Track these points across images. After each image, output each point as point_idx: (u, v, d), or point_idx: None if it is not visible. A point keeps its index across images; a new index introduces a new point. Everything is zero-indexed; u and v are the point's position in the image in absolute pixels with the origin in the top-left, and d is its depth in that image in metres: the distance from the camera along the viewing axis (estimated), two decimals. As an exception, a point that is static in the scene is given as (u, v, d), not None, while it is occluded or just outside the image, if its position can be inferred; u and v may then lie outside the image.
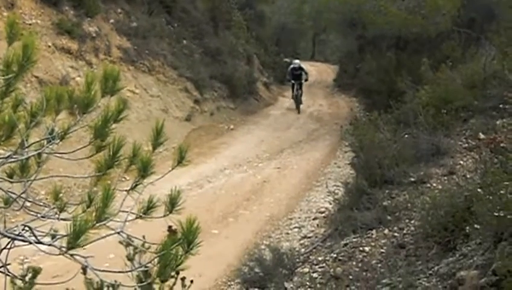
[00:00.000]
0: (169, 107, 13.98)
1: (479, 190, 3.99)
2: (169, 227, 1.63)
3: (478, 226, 3.85)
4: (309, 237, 7.33)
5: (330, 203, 7.80)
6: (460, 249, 4.28)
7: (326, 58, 36.79)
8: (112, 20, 13.80)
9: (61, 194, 1.90)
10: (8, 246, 1.66)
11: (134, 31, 14.29)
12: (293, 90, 19.24)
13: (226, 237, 7.61)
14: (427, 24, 13.93)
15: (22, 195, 1.68)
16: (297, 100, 18.95)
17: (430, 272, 4.34)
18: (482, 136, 7.04)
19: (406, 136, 8.30)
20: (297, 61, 19.97)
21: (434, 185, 6.48)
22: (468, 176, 6.21)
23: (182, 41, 16.58)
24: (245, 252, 6.74)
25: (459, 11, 14.23)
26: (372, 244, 5.57)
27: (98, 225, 1.47)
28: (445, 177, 6.63)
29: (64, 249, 1.42)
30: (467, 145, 7.45)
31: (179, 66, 15.26)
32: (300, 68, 19.23)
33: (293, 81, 19.04)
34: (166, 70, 14.78)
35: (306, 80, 19.33)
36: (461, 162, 7.02)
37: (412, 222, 5.65)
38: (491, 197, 3.53)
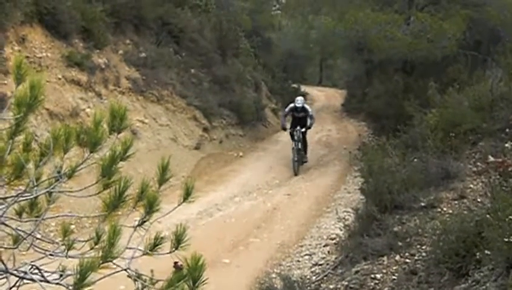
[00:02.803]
0: (178, 136, 14.07)
1: (487, 215, 3.96)
2: (175, 263, 1.65)
3: (489, 252, 3.81)
4: (320, 265, 7.27)
5: (341, 230, 7.76)
6: (472, 275, 4.23)
7: (334, 83, 37.05)
8: (120, 51, 14.01)
9: (72, 226, 1.93)
10: (17, 284, 1.68)
11: (143, 61, 14.49)
12: (293, 139, 13.71)
13: (237, 265, 7.57)
14: (433, 48, 14.01)
15: (31, 234, 1.71)
16: (298, 156, 13.48)
17: (443, 299, 4.29)
18: (491, 159, 7.00)
19: (415, 160, 8.27)
20: (300, 99, 14.10)
21: (444, 209, 6.42)
22: (478, 199, 6.16)
23: (190, 70, 16.77)
24: (256, 281, 6.69)
25: (464, 34, 14.32)
26: (384, 271, 5.52)
27: (104, 264, 1.49)
28: (456, 202, 6.57)
29: (71, 288, 1.44)
30: (476, 168, 7.40)
31: (188, 95, 15.41)
32: (304, 109, 13.76)
33: (290, 129, 13.83)
34: (175, 99, 14.92)
35: (309, 128, 13.85)
36: (471, 185, 6.96)
37: (423, 247, 5.60)
38: (500, 223, 3.50)
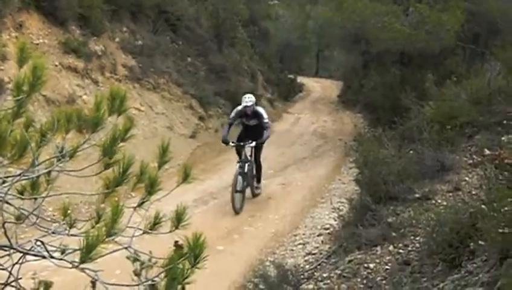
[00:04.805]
0: (174, 124, 14.06)
1: (483, 206, 3.99)
2: (176, 242, 1.67)
3: (483, 243, 3.85)
4: (313, 254, 7.31)
5: (335, 220, 7.80)
6: (465, 266, 4.27)
7: (331, 74, 36.99)
8: (117, 39, 13.97)
9: (69, 211, 1.94)
10: (20, 261, 1.70)
11: (140, 49, 14.46)
12: (240, 158, 9.54)
13: (231, 253, 7.61)
14: (431, 40, 13.98)
15: (34, 212, 1.72)
16: (243, 184, 9.25)
17: (435, 289, 4.33)
18: (487, 152, 7.04)
19: (411, 152, 8.31)
20: (249, 98, 9.69)
21: (439, 201, 6.47)
22: (473, 192, 6.21)
23: (187, 58, 16.74)
24: (250, 269, 6.74)
25: (463, 27, 14.30)
26: (377, 261, 5.56)
27: (108, 239, 1.51)
28: (451, 194, 6.62)
29: (75, 263, 1.46)
30: (472, 161, 7.45)
31: (184, 84, 15.39)
32: (257, 115, 9.66)
33: (234, 143, 9.62)
34: (171, 87, 14.90)
35: (263, 142, 9.67)
36: (466, 178, 7.01)
37: (417, 238, 5.64)
38: (495, 214, 3.54)
